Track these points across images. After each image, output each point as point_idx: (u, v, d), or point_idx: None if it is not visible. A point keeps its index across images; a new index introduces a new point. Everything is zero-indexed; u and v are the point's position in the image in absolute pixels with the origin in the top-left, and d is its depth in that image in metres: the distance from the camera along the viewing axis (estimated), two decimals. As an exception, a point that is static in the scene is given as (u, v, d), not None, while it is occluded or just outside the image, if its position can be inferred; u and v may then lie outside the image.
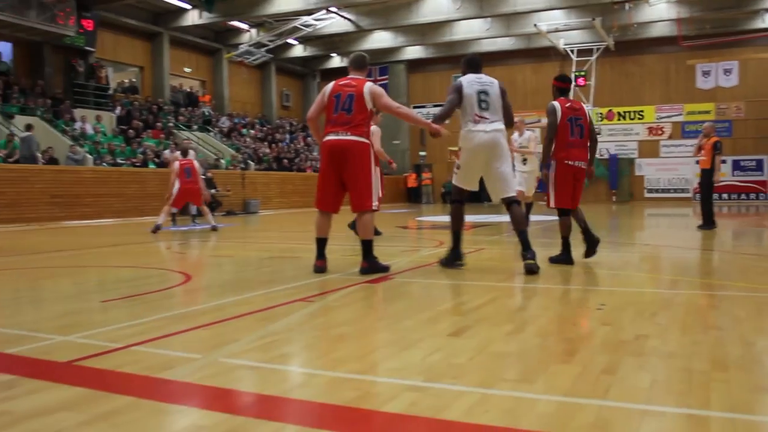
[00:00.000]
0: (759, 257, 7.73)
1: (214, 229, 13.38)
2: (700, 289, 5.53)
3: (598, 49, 30.23)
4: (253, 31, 29.98)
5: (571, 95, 7.46)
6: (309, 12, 26.65)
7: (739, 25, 28.30)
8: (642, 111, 31.32)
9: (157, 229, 12.50)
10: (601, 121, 30.87)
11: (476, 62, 7.01)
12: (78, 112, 22.61)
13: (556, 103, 7.00)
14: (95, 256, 8.95)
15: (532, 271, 6.13)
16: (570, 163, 6.94)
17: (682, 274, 6.62)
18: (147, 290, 5.60)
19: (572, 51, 30.86)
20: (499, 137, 6.55)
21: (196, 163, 13.89)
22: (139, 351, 3.40)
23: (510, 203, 6.59)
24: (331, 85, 6.44)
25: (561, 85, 7.21)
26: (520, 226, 6.55)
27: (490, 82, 6.70)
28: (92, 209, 18.41)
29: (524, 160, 11.74)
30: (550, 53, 31.11)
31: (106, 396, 2.68)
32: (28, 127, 18.55)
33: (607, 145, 31.10)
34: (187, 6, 26.55)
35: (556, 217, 7.22)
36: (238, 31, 30.48)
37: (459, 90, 6.74)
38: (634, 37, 29.39)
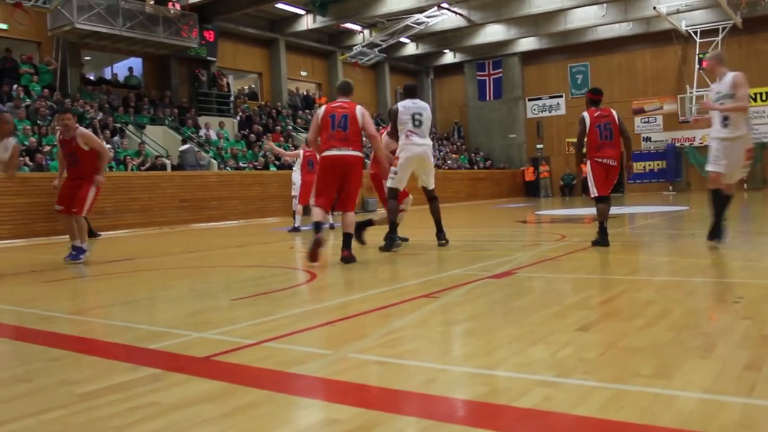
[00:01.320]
0: None
1: (331, 227, 13.10)
2: None
3: (724, 29, 28.73)
4: (366, 31, 30.35)
5: (695, 78, 9.01)
6: (421, 10, 26.73)
7: None
8: (775, 92, 29.54)
9: (294, 230, 12.85)
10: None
11: (413, 90, 8.94)
12: (202, 120, 23.64)
13: (585, 114, 7.96)
14: (223, 257, 9.32)
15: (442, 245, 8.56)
16: (600, 160, 7.82)
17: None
18: (274, 289, 5.78)
19: (695, 32, 29.47)
20: (429, 150, 8.58)
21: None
22: (271, 347, 3.51)
23: (432, 198, 8.87)
24: (323, 108, 7.57)
25: (592, 97, 8.14)
26: (436, 215, 8.92)
27: (424, 107, 8.56)
28: (217, 212, 19.17)
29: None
30: (672, 36, 29.81)
31: (243, 389, 2.79)
32: (185, 141, 19.93)
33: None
34: (302, 11, 27.21)
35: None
36: (352, 33, 30.94)
37: (396, 113, 8.53)
38: (764, 12, 27.70)
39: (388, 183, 8.56)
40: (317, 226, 7.13)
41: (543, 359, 3.07)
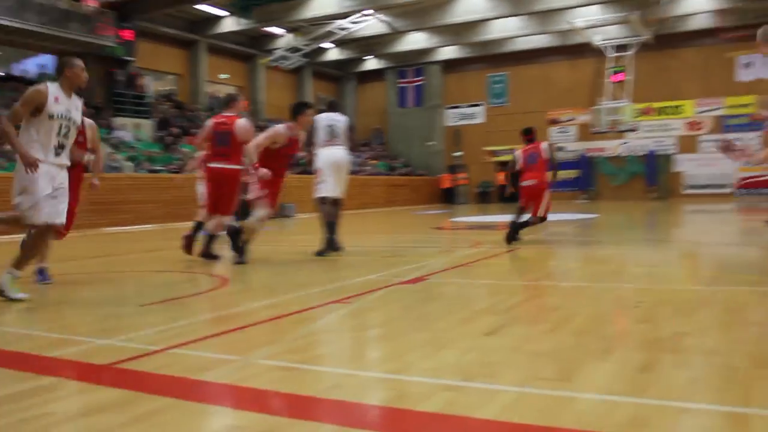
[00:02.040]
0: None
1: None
2: (741, 286, 5.43)
3: (635, 45, 29.84)
4: (289, 36, 30.17)
5: (608, 90, 8.68)
6: (344, 15, 26.74)
7: (781, 14, 27.73)
8: (680, 106, 30.82)
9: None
10: (639, 117, 30.44)
11: (334, 105, 9.16)
12: (118, 121, 23.02)
13: (517, 152, 9.74)
14: (133, 262, 9.10)
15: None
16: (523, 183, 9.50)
17: (722, 271, 6.51)
18: (184, 294, 5.67)
19: (609, 47, 30.50)
20: (345, 158, 8.69)
21: None
22: (178, 353, 3.44)
23: (337, 201, 8.74)
24: (211, 121, 8.08)
25: (525, 138, 9.84)
26: (330, 219, 8.59)
27: (339, 119, 8.70)
28: (131, 215, 18.68)
29: None
30: (586, 50, 30.78)
31: (146, 397, 2.72)
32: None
33: (644, 142, 30.69)
34: (224, 13, 26.83)
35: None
36: (274, 37, 30.70)
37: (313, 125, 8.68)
38: (671, 31, 28.89)
39: (321, 194, 8.59)
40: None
41: (449, 364, 3.12)
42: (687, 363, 3.02)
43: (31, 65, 24.53)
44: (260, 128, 30.14)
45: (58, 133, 5.26)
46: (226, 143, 7.79)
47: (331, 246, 8.41)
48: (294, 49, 29.73)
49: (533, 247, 8.84)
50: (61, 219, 5.27)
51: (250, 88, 31.87)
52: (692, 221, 15.63)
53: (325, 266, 7.53)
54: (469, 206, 30.29)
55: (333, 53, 33.83)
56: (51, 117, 5.19)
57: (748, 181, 28.62)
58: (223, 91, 30.71)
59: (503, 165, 33.35)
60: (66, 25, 21.22)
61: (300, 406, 2.63)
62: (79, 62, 5.57)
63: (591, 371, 2.93)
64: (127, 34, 23.91)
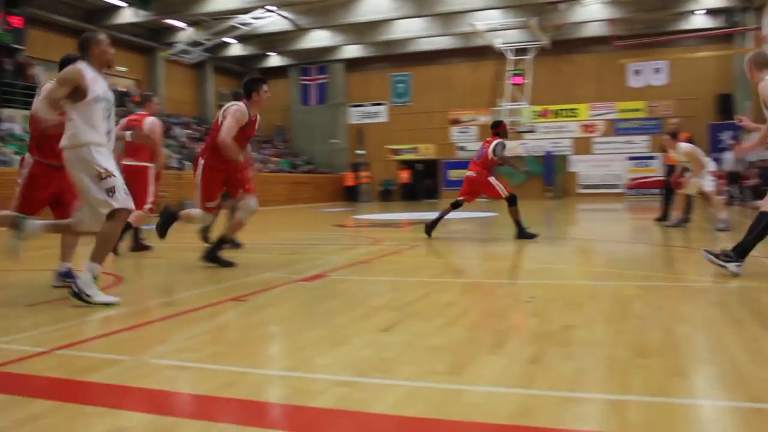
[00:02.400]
0: (686, 250, 7.98)
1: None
2: (627, 281, 5.67)
3: (533, 49, 30.73)
4: (190, 29, 29.52)
5: (508, 92, 8.54)
6: (246, 11, 26.38)
7: (667, 26, 29.09)
8: (576, 109, 31.95)
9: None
10: (537, 119, 31.37)
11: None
12: (6, 112, 21.94)
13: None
14: (23, 260, 8.69)
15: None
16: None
17: (611, 267, 6.80)
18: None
19: (509, 50, 31.29)
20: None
21: None
22: (65, 354, 3.32)
23: None
24: (125, 119, 8.22)
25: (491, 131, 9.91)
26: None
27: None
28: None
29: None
30: (488, 52, 31.47)
31: (26, 401, 2.62)
32: None
33: (541, 143, 31.66)
34: (122, 3, 25.97)
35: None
36: (174, 30, 29.96)
37: None
38: (568, 37, 29.94)
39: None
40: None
41: (344, 360, 3.13)
42: (573, 354, 3.13)
43: None
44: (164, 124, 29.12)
45: (105, 117, 4.86)
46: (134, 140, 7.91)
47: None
48: (195, 43, 29.12)
49: (432, 244, 8.97)
50: (132, 205, 4.87)
51: (149, 81, 30.99)
52: (586, 219, 16.21)
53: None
54: (372, 204, 30.44)
55: (235, 49, 33.30)
56: (96, 100, 4.79)
57: (637, 181, 29.95)
58: (120, 83, 29.77)
59: (405, 163, 33.94)
60: (-53, 10, 20.08)
61: (191, 405, 2.58)
62: (104, 37, 5.18)
63: (482, 364, 3.00)
64: (16, 21, 22.82)
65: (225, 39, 29.96)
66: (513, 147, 31.74)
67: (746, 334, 3.46)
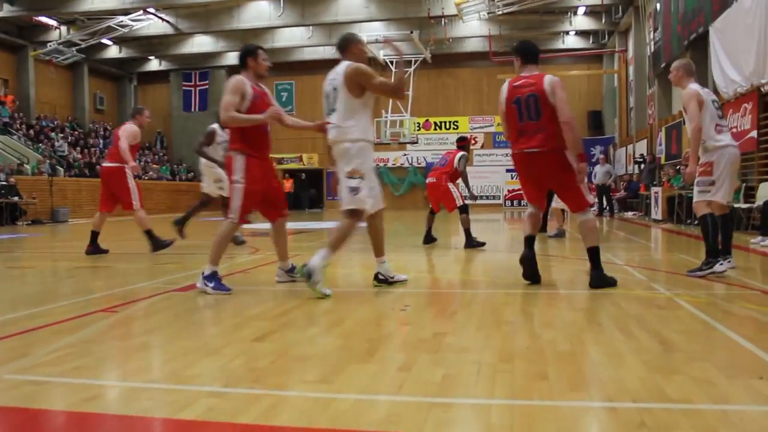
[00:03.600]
0: (559, 258, 8.30)
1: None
2: (499, 289, 5.85)
3: (416, 61, 31.28)
4: (63, 28, 28.32)
5: (391, 104, 8.76)
6: (125, 12, 25.62)
7: (543, 45, 30.36)
8: (457, 121, 32.80)
9: None
10: (419, 130, 31.93)
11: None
12: None
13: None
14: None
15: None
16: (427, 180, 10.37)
17: (486, 275, 6.99)
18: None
19: (391, 62, 31.71)
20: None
21: None
22: None
23: None
24: None
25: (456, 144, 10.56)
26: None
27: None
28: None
29: None
30: (371, 63, 31.80)
31: None
32: None
33: (423, 154, 32.27)
34: (-13, -2, 24.69)
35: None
36: (46, 28, 28.67)
37: None
38: (449, 51, 30.71)
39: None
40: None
41: (214, 370, 3.08)
42: (443, 361, 3.20)
43: None
44: (30, 127, 27.87)
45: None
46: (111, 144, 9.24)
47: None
48: (69, 43, 27.99)
49: (311, 253, 8.95)
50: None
51: (17, 82, 29.52)
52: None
53: (97, 275, 7.15)
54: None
55: (113, 50, 32.26)
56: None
57: (515, 193, 31.00)
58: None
59: (289, 173, 33.74)
60: None
61: (53, 422, 2.47)
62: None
63: (353, 372, 3.02)
64: None
65: (102, 40, 28.94)
66: (396, 158, 32.30)
67: (605, 337, 3.64)
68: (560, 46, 30.58)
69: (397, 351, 3.42)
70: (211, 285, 5.36)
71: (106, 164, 9.56)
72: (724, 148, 6.12)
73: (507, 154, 32.43)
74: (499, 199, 31.50)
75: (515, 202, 31.20)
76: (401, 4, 25.75)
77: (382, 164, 32.80)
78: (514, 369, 3.02)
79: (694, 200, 6.33)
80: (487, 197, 31.92)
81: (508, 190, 31.42)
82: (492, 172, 31.82)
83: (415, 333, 3.84)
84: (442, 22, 27.48)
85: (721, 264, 6.05)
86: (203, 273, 5.44)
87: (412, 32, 27.52)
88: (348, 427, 2.32)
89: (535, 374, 2.94)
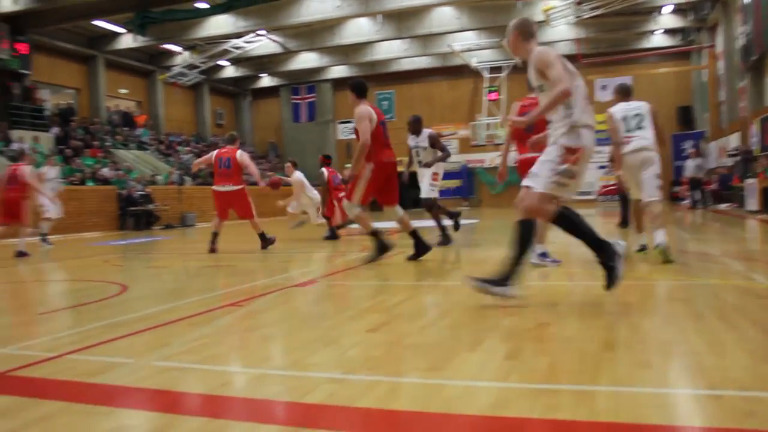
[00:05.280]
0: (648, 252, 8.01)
1: (20, 254, 10.64)
2: (598, 281, 5.69)
3: (507, 67, 30.91)
4: (186, 53, 29.52)
5: (485, 108, 8.62)
6: (238, 35, 26.42)
7: (630, 44, 29.41)
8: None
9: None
10: (513, 131, 31.48)
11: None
12: (15, 133, 21.83)
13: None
14: (35, 271, 8.66)
15: None
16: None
17: (583, 268, 6.82)
18: (84, 301, 5.46)
19: (484, 68, 31.45)
20: None
21: (26, 169, 10.92)
22: (74, 359, 3.31)
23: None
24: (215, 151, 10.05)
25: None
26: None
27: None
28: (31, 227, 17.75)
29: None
30: (465, 71, 31.64)
31: (38, 402, 2.61)
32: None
33: (515, 154, 31.78)
34: (121, 30, 25.97)
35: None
36: (171, 54, 29.98)
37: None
38: (538, 56, 30.15)
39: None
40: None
41: (333, 359, 3.14)
42: (547, 350, 3.15)
43: None
44: (161, 142, 29.23)
45: None
46: (227, 166, 9.81)
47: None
48: (191, 66, 29.13)
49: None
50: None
51: (149, 102, 30.98)
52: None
53: (222, 273, 7.42)
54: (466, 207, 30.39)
55: (229, 71, 33.36)
56: None
57: (607, 188, 30.11)
58: (123, 105, 29.75)
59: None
60: (-42, 39, 20.05)
61: (191, 404, 2.58)
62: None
63: (462, 360, 3.02)
64: (22, 48, 22.79)
65: (219, 62, 29.98)
66: (492, 158, 31.97)
67: (706, 327, 3.50)
68: (647, 45, 29.49)
69: (502, 341, 3.39)
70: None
71: (230, 188, 9.91)
72: None
73: (598, 151, 31.62)
74: (592, 194, 30.63)
75: (611, 198, 30.24)
76: (490, 14, 25.44)
77: (479, 165, 32.57)
78: (618, 357, 2.95)
79: None
80: (581, 193, 31.15)
81: (602, 186, 30.52)
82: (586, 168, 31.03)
83: (519, 323, 3.79)
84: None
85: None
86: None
87: (501, 40, 27.17)
88: (460, 411, 2.32)
89: (638, 362, 2.85)
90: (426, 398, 2.49)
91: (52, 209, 13.33)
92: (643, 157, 7.05)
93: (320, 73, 34.59)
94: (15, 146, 21.03)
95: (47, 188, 12.75)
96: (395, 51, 29.97)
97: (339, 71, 34.35)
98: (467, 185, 32.55)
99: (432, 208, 9.57)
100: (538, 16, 24.62)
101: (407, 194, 9.43)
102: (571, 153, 4.24)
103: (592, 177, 30.27)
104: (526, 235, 4.27)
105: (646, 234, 7.32)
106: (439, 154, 9.69)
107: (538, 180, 4.25)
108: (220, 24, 24.89)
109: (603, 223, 15.24)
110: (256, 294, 5.37)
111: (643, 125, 7.13)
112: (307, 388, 2.67)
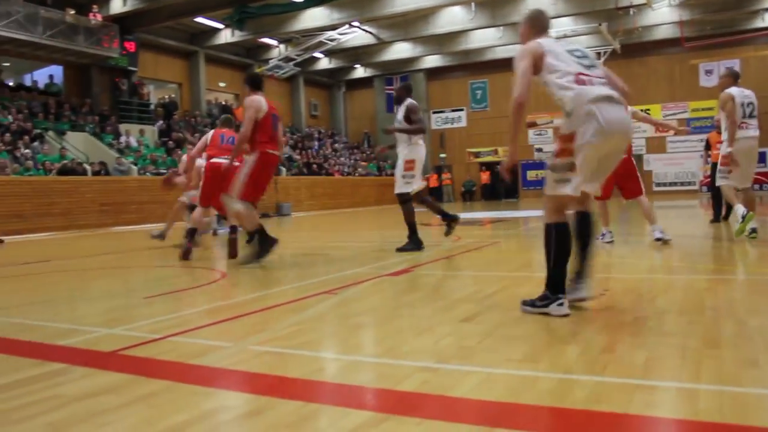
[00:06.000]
0: (760, 243, 7.64)
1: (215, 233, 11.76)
2: (700, 275, 5.49)
3: (605, 53, 29.97)
4: (282, 46, 30.17)
5: None
6: (333, 27, 26.77)
7: (738, 25, 27.91)
8: (648, 109, 30.99)
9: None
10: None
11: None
12: (123, 127, 22.95)
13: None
14: (140, 258, 9.09)
15: None
16: None
17: (684, 261, 6.57)
18: (185, 287, 5.70)
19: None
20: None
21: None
22: (175, 341, 3.47)
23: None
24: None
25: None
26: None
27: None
28: (137, 215, 18.67)
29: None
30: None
31: (145, 381, 2.76)
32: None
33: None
34: (221, 26, 26.84)
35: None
36: (268, 47, 30.70)
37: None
38: (638, 40, 29.10)
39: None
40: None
41: (426, 348, 3.16)
42: (645, 344, 3.06)
43: (40, 76, 24.48)
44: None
45: None
46: (231, 143, 8.26)
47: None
48: (287, 59, 29.74)
49: (512, 240, 8.90)
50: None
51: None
52: (660, 216, 15.67)
53: (318, 261, 7.57)
54: (454, 204, 30.32)
55: (323, 62, 33.89)
56: None
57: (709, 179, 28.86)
58: (221, 98, 30.72)
59: (485, 165, 33.69)
60: (73, 38, 21.27)
61: (287, 387, 2.66)
62: None
63: (557, 353, 2.98)
64: (130, 46, 23.92)
65: (314, 54, 30.47)
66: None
67: (819, 324, 3.31)
68: (758, 25, 27.91)
69: (598, 333, 3.31)
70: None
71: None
72: None
73: (701, 140, 30.33)
74: (694, 185, 29.40)
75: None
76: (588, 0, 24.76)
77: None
78: (722, 355, 2.83)
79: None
80: (682, 183, 30.00)
81: (705, 176, 29.26)
82: (687, 158, 29.81)
83: (615, 317, 3.70)
84: (631, 12, 26.04)
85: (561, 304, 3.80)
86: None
87: (600, 24, 26.40)
88: (555, 404, 2.30)
89: (744, 360, 2.73)
90: (519, 390, 2.47)
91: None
92: (751, 146, 7.13)
93: (414, 63, 34.63)
94: (123, 139, 22.12)
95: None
96: (489, 39, 29.62)
97: (433, 61, 34.29)
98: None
99: (407, 204, 8.20)
100: (639, -1, 23.78)
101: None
102: (566, 141, 3.74)
103: (694, 166, 29.05)
104: (550, 240, 3.86)
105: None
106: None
107: (545, 182, 3.92)
108: (315, 16, 25.31)
109: (706, 215, 14.62)
110: (350, 282, 5.45)
111: (754, 114, 7.11)
112: (400, 376, 2.70)
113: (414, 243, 7.87)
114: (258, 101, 7.04)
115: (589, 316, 3.81)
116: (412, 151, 8.01)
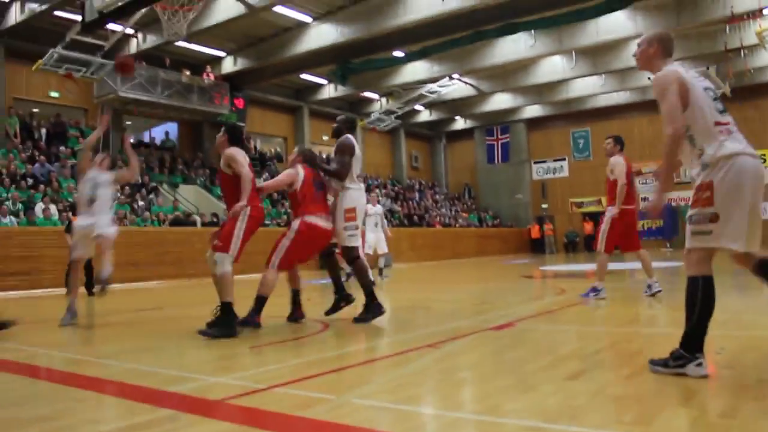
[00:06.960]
0: None
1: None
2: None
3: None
4: (383, 99, 30.83)
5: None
6: (433, 80, 27.15)
7: None
8: (764, 155, 29.53)
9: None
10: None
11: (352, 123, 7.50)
12: (232, 179, 23.92)
13: None
14: (245, 307, 9.32)
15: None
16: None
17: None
18: (289, 337, 5.79)
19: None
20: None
21: None
22: (280, 392, 3.52)
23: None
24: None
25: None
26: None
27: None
28: (245, 265, 19.17)
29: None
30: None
31: (251, 430, 2.80)
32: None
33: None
34: (324, 81, 27.77)
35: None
36: (370, 101, 31.43)
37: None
38: (751, 83, 27.92)
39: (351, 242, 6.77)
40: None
41: (533, 405, 3.07)
42: (770, 409, 2.86)
43: (158, 132, 25.96)
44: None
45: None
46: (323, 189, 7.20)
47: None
48: (388, 112, 30.32)
49: (618, 294, 8.60)
50: None
51: (349, 148, 32.54)
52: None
53: (419, 314, 7.54)
54: (557, 255, 29.67)
55: (424, 115, 34.32)
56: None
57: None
58: (326, 151, 31.60)
59: (588, 215, 32.90)
60: (188, 97, 22.53)
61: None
62: None
63: (670, 416, 2.82)
64: (239, 103, 25.09)
65: (415, 107, 30.94)
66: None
67: None
68: None
69: (716, 396, 3.13)
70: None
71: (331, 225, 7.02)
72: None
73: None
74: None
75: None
76: (694, 42, 24.03)
77: (683, 203, 30.61)
78: None
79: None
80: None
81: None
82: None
83: (735, 378, 3.48)
84: (742, 54, 25.08)
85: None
86: None
87: (708, 68, 25.53)
88: (672, 472, 2.17)
89: None
90: (632, 455, 2.36)
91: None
92: None
93: (514, 113, 34.55)
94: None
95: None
96: (591, 87, 29.23)
97: (533, 110, 34.12)
98: (670, 225, 30.66)
99: (357, 261, 6.79)
100: (750, 39, 22.90)
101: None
102: (703, 190, 3.55)
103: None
104: (695, 294, 3.72)
105: None
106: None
107: (687, 236, 3.71)
108: (415, 70, 25.79)
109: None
110: (453, 336, 5.39)
111: None
112: (505, 435, 2.63)
113: (373, 310, 6.59)
114: (243, 153, 6.57)
115: (706, 378, 3.60)
116: (349, 198, 6.76)
